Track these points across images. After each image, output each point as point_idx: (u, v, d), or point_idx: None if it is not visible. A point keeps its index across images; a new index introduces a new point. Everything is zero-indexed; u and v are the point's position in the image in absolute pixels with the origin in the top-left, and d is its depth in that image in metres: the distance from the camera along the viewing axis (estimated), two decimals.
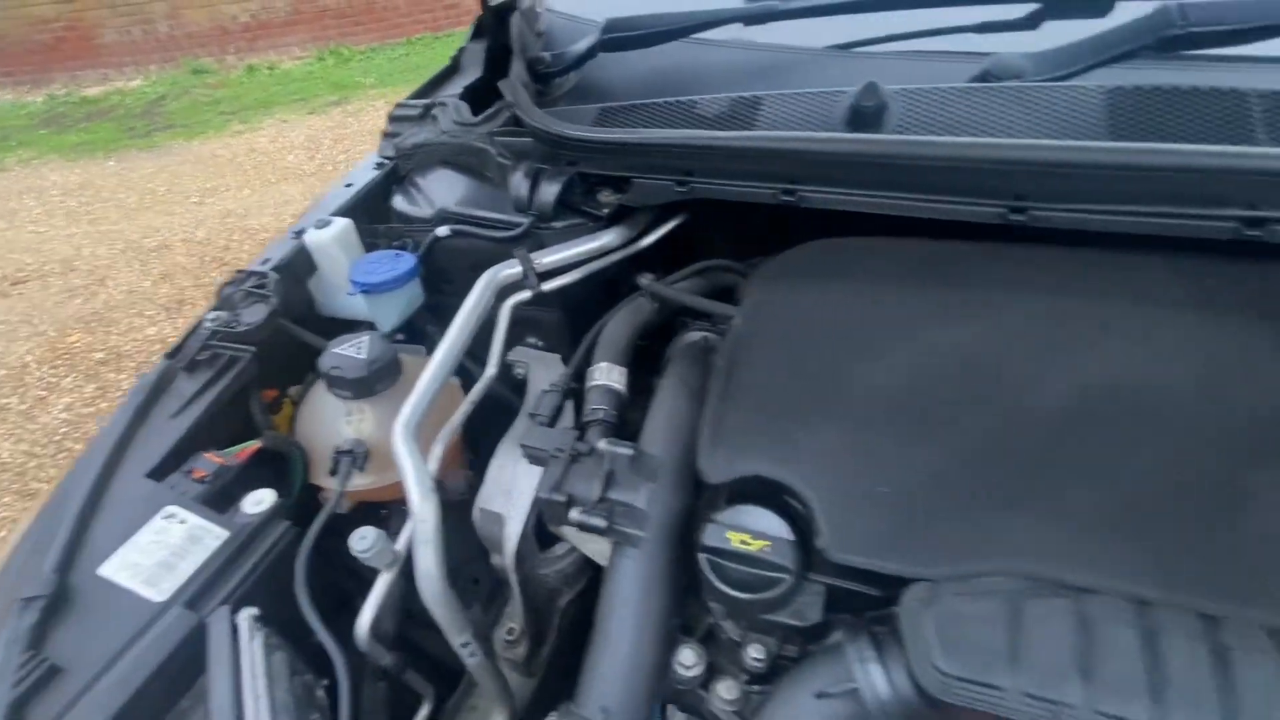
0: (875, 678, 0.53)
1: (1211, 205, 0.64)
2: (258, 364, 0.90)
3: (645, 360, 0.92)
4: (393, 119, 1.17)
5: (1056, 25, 0.90)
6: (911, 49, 0.95)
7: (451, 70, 1.24)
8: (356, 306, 1.01)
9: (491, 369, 0.88)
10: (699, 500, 0.70)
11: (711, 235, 1.05)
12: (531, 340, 1.03)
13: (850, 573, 0.58)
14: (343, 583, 0.87)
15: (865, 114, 0.79)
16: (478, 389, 0.87)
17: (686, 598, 0.69)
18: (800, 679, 0.57)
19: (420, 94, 1.18)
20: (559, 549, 0.89)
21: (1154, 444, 0.57)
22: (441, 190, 1.06)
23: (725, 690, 0.65)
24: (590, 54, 1.02)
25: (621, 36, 1.00)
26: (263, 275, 0.94)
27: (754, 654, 0.63)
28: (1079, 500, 0.55)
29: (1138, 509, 0.54)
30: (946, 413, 0.62)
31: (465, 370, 0.90)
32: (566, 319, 0.99)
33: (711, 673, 0.67)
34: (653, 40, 0.99)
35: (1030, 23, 0.89)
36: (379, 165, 1.13)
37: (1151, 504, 0.54)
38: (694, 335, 0.90)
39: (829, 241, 0.83)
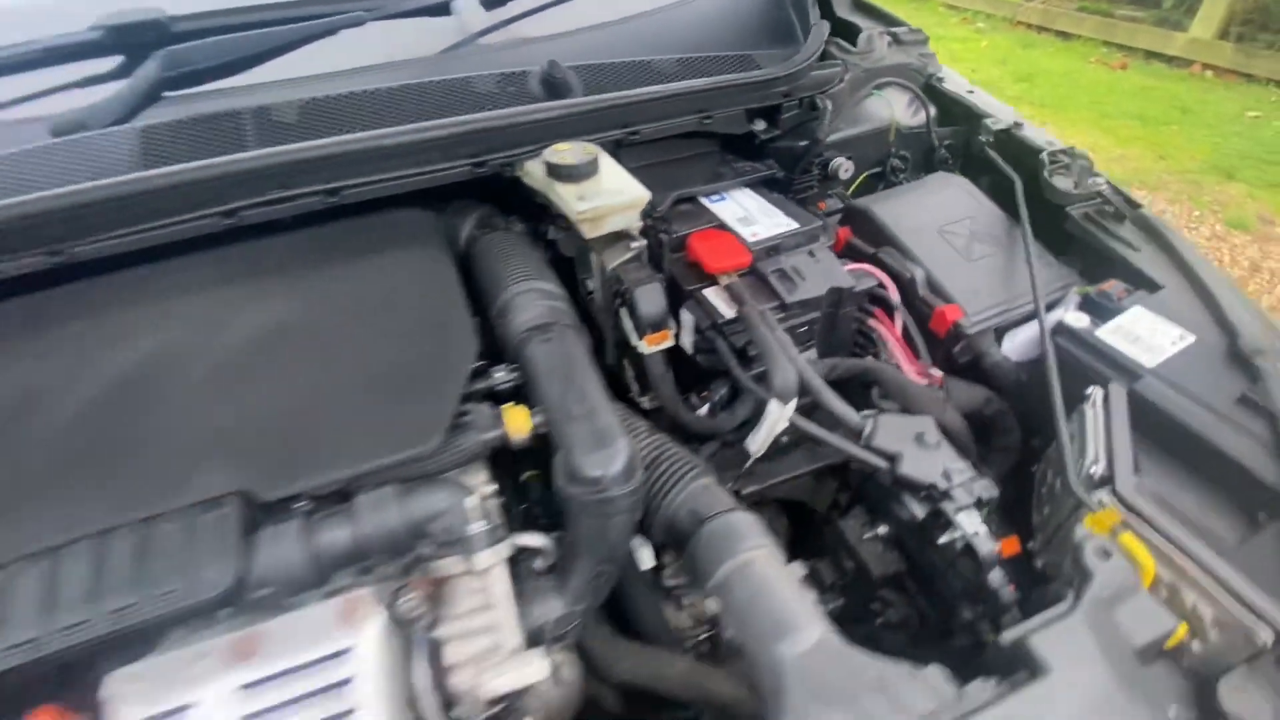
0: None
1: (200, 208, 0.87)
2: None
3: None
4: None
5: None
6: (31, 115, 1.03)
7: None
8: None
9: None
10: None
11: None
12: None
13: None
14: None
15: None
16: None
17: None
18: None
19: None
20: None
21: (119, 408, 0.77)
22: None
23: None
24: None
25: None
26: None
27: None
28: (63, 476, 0.71)
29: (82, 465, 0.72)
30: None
31: None
32: None
33: None
34: None
35: (120, 73, 1.04)
36: None
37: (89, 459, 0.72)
38: None
39: None
